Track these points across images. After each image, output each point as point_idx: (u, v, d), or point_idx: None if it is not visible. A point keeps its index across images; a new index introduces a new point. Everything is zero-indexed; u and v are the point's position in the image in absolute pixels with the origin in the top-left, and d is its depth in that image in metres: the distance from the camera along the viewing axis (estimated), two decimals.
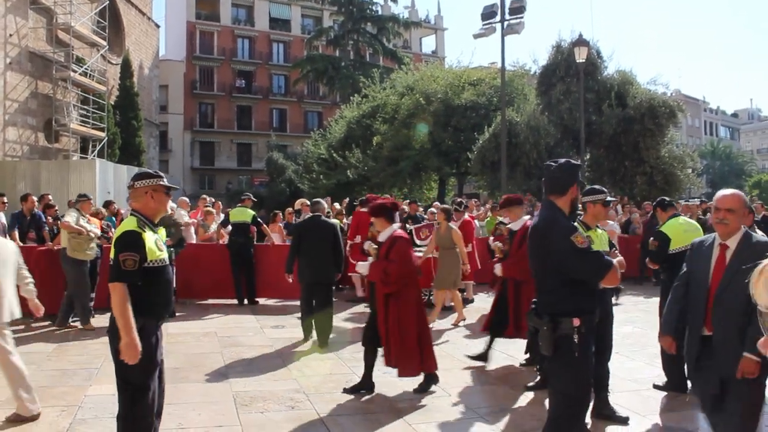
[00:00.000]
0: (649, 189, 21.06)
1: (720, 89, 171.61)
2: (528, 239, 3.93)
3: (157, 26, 42.09)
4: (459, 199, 13.80)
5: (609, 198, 5.30)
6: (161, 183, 3.99)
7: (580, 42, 19.68)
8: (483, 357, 7.22)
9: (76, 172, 20.68)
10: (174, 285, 8.45)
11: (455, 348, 7.95)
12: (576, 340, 3.56)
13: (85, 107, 28.21)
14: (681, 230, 6.24)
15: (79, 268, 9.00)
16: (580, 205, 4.93)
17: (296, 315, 9.53)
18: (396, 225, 6.24)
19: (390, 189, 26.61)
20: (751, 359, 3.43)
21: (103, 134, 28.41)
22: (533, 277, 3.92)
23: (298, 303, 8.96)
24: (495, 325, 7.18)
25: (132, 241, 3.77)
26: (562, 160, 3.90)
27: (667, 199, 7.07)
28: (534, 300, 3.84)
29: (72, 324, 9.12)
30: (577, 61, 19.43)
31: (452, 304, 9.99)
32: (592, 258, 3.58)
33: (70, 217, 8.91)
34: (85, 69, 27.76)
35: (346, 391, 6.06)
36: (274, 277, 10.77)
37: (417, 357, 5.95)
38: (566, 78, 22.77)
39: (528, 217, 7.00)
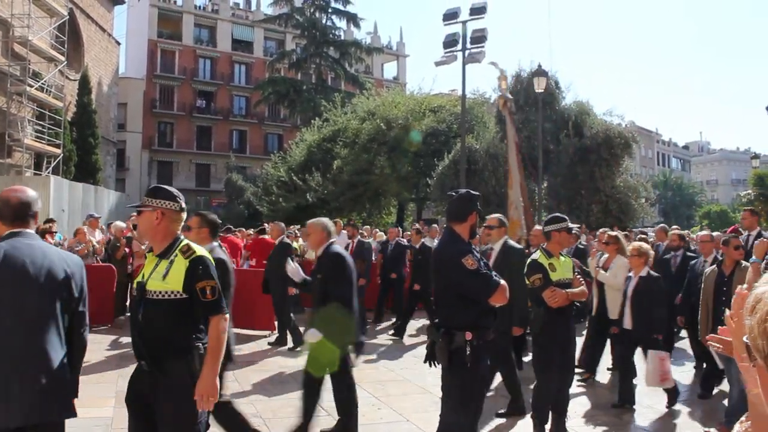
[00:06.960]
0: (605, 217, 21.46)
1: (672, 122, 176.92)
2: (431, 261, 4.30)
3: (118, 43, 41.63)
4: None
5: (571, 225, 5.43)
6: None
7: (539, 72, 20.10)
8: None
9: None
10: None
11: (412, 373, 7.91)
12: (468, 351, 3.82)
13: (41, 123, 27.66)
14: None
15: None
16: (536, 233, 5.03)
17: (255, 340, 9.74)
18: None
19: (349, 213, 26.64)
20: None
21: (58, 151, 27.86)
22: (435, 294, 4.26)
23: (250, 332, 10.17)
24: None
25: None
26: (463, 191, 4.28)
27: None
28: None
29: None
30: (536, 91, 19.81)
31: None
32: (480, 278, 3.85)
33: None
34: (42, 84, 27.25)
35: None
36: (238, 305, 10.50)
37: None
38: (525, 107, 23.18)
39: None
